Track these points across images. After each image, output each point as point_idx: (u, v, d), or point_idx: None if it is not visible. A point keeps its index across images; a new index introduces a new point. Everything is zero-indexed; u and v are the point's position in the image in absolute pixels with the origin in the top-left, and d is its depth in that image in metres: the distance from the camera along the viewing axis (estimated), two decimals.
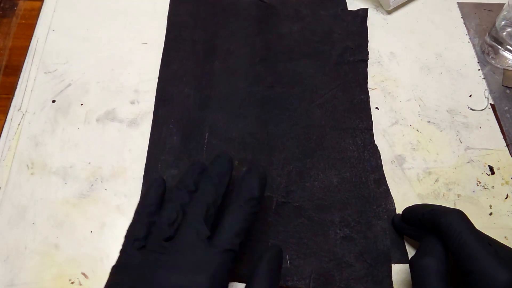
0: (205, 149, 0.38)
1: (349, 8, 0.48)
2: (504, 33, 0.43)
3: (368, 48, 0.45)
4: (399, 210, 0.36)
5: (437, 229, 0.29)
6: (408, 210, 0.34)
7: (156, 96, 0.41)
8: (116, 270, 0.28)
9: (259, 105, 0.41)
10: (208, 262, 0.26)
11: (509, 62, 0.44)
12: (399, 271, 0.33)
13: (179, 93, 0.41)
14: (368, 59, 0.44)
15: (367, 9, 0.47)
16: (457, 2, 0.49)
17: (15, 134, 0.38)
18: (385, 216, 0.35)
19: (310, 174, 0.37)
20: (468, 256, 0.27)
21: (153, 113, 0.40)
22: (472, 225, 0.28)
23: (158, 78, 0.42)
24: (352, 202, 0.36)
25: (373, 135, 0.39)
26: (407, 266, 0.33)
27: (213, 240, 0.27)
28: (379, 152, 0.38)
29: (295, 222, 0.35)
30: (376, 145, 0.39)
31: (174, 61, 0.43)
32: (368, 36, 0.46)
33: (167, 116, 0.40)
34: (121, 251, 0.29)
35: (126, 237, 0.29)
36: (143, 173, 0.36)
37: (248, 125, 0.39)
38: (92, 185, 0.36)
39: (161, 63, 0.43)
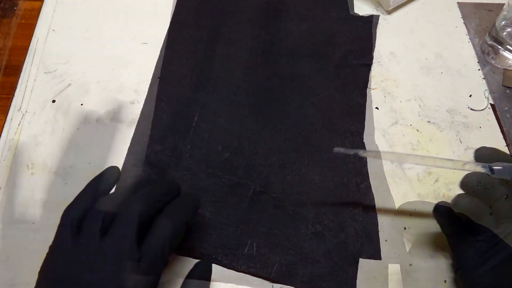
0: (192, 130, 0.38)
1: (349, 9, 0.48)
2: (504, 33, 0.43)
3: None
4: (399, 210, 0.36)
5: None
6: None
7: (154, 73, 0.42)
8: (52, 252, 0.27)
9: (253, 94, 0.41)
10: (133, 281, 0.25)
11: (509, 62, 0.44)
12: (397, 272, 0.33)
13: (177, 71, 0.42)
14: (371, 63, 0.44)
15: (378, 16, 0.47)
16: (457, 2, 0.49)
17: (15, 134, 0.38)
18: (360, 219, 0.35)
19: (293, 168, 0.37)
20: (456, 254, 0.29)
21: (148, 89, 0.41)
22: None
23: (163, 58, 0.43)
24: (329, 201, 0.36)
25: (363, 139, 0.39)
26: (405, 266, 0.33)
27: (141, 254, 0.25)
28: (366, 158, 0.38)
29: (269, 212, 0.35)
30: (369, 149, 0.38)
31: (177, 42, 0.44)
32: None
33: (161, 92, 0.41)
34: (58, 232, 0.27)
35: (64, 214, 0.27)
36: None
37: (238, 112, 0.40)
38: None
39: (165, 43, 0.44)
